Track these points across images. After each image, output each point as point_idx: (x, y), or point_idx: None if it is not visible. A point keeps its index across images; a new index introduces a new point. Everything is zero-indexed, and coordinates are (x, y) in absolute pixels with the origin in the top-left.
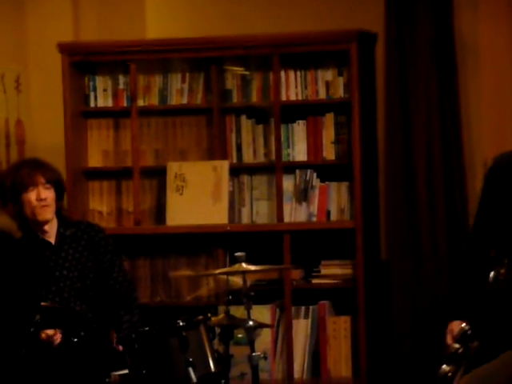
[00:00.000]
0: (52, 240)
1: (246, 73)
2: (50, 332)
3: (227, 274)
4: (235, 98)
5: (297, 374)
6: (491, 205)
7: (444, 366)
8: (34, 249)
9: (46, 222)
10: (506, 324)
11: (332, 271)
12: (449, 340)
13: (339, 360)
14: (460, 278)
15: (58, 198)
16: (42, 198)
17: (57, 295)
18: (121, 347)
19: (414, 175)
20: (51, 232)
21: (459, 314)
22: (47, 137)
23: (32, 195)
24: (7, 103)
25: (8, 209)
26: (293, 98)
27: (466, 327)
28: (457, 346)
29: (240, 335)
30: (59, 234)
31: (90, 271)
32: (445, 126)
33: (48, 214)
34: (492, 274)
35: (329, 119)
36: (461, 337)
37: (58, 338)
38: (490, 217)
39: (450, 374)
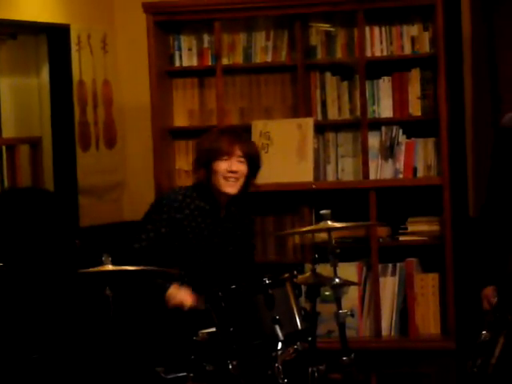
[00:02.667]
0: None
1: (331, 29)
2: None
3: (313, 231)
4: (319, 55)
5: (384, 332)
6: (502, 168)
7: (485, 333)
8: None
9: (229, 195)
10: None
11: (419, 228)
12: (486, 305)
13: (427, 317)
14: (487, 241)
15: (251, 173)
16: (233, 169)
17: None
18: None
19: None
20: (224, 204)
21: (492, 280)
22: (133, 97)
23: (224, 165)
24: (94, 64)
25: (200, 173)
26: (378, 53)
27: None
28: (494, 314)
29: (327, 293)
30: (227, 209)
31: (234, 252)
32: None
33: (233, 188)
34: None
35: (414, 75)
36: (497, 305)
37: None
38: (503, 180)
39: (490, 341)
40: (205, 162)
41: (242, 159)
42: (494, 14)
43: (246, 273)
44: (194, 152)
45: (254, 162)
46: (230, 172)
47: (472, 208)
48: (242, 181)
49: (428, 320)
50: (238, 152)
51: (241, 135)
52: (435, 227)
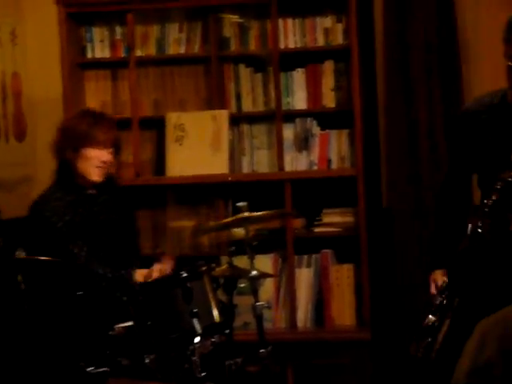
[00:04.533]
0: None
1: (244, 21)
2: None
3: (230, 224)
4: (233, 47)
5: (300, 323)
6: (462, 151)
7: (430, 317)
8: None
9: (95, 183)
10: (487, 279)
11: (334, 219)
12: (433, 290)
13: (343, 308)
14: (438, 226)
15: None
16: (105, 160)
17: None
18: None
19: (415, 121)
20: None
21: (441, 264)
22: (44, 89)
23: (96, 153)
24: (3, 56)
25: (66, 154)
26: (291, 45)
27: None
28: (441, 297)
29: (243, 285)
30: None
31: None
32: (444, 72)
33: (101, 177)
34: (469, 226)
35: (328, 66)
36: (444, 289)
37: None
38: (462, 163)
39: (436, 324)
40: (75, 145)
41: (112, 149)
42: (406, 5)
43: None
44: (60, 131)
45: (117, 151)
46: (102, 162)
47: (385, 199)
48: (108, 169)
49: (343, 311)
50: (111, 142)
51: (115, 123)
52: (349, 218)
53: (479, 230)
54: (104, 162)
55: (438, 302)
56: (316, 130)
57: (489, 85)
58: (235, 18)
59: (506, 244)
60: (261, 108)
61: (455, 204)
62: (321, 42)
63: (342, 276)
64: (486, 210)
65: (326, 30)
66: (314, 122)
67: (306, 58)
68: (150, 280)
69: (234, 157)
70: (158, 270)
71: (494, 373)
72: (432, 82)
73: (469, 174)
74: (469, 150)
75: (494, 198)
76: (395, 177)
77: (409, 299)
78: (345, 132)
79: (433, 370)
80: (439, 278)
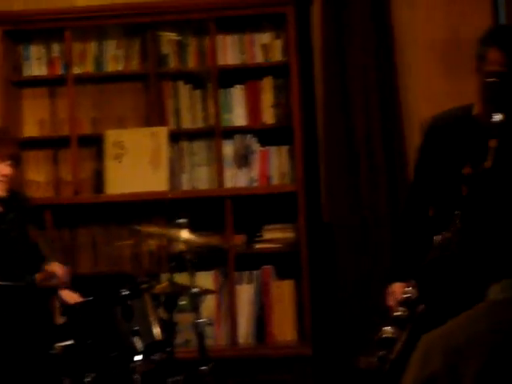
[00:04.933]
0: None
1: (182, 38)
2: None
3: (169, 240)
4: (172, 64)
5: (241, 339)
6: (429, 165)
7: (387, 328)
8: None
9: None
10: (453, 289)
11: (275, 235)
12: (391, 302)
13: (284, 324)
14: (400, 239)
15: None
16: (3, 173)
17: None
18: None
19: (352, 137)
20: None
21: (401, 276)
22: None
23: None
24: None
25: None
26: (230, 62)
27: (411, 291)
28: (402, 309)
29: (184, 302)
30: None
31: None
32: (382, 88)
33: (3, 191)
34: (437, 238)
35: (267, 83)
36: (405, 300)
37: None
38: (428, 176)
39: (392, 336)
40: None
41: (10, 162)
42: (344, 21)
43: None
44: None
45: (18, 162)
46: (1, 175)
47: (325, 213)
48: (9, 183)
49: (284, 327)
50: (7, 155)
51: (11, 137)
52: (290, 234)
53: (447, 242)
54: (4, 176)
55: (396, 314)
56: (256, 146)
57: (424, 104)
58: (173, 35)
59: (472, 257)
60: (200, 125)
61: (417, 217)
62: (259, 58)
63: (283, 292)
64: (455, 224)
65: (265, 47)
66: (254, 138)
67: (245, 75)
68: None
69: (174, 174)
70: (50, 268)
71: None
72: (370, 97)
73: (433, 188)
74: (436, 164)
75: (460, 214)
76: (335, 191)
77: (350, 313)
78: (284, 148)
79: (386, 381)
80: (398, 290)
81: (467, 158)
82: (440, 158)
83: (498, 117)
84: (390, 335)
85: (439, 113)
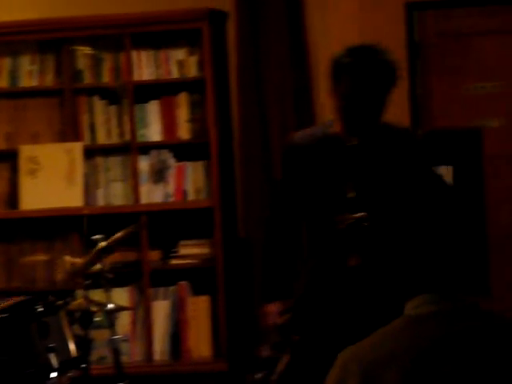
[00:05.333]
0: None
1: (97, 53)
2: None
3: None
4: (87, 79)
5: (157, 356)
6: (291, 185)
7: (265, 349)
8: None
9: None
10: (327, 320)
11: (190, 251)
12: (267, 322)
13: (199, 340)
14: (271, 256)
15: None
16: None
17: None
18: None
19: (269, 150)
20: None
21: (274, 296)
22: None
23: None
24: None
25: None
26: (145, 77)
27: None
28: (278, 334)
29: (99, 319)
30: None
31: None
32: (298, 101)
33: None
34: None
35: (182, 98)
36: (282, 325)
37: None
38: (291, 197)
39: (272, 357)
40: None
41: None
42: (261, 36)
43: None
44: None
45: None
46: None
47: (242, 229)
48: None
49: (200, 343)
50: None
51: None
52: (206, 250)
53: (318, 268)
54: None
55: (274, 338)
56: (171, 161)
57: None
58: (88, 50)
59: (344, 281)
60: (115, 140)
61: (286, 232)
62: (175, 73)
63: (199, 308)
64: (326, 250)
65: (180, 62)
66: (170, 153)
67: (161, 90)
68: None
69: (89, 189)
70: None
71: None
72: (286, 109)
73: (296, 208)
74: (298, 184)
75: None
76: (251, 206)
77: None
78: (200, 163)
79: None
80: (273, 310)
81: (331, 176)
82: (303, 177)
83: (353, 140)
84: (269, 356)
85: (298, 132)
